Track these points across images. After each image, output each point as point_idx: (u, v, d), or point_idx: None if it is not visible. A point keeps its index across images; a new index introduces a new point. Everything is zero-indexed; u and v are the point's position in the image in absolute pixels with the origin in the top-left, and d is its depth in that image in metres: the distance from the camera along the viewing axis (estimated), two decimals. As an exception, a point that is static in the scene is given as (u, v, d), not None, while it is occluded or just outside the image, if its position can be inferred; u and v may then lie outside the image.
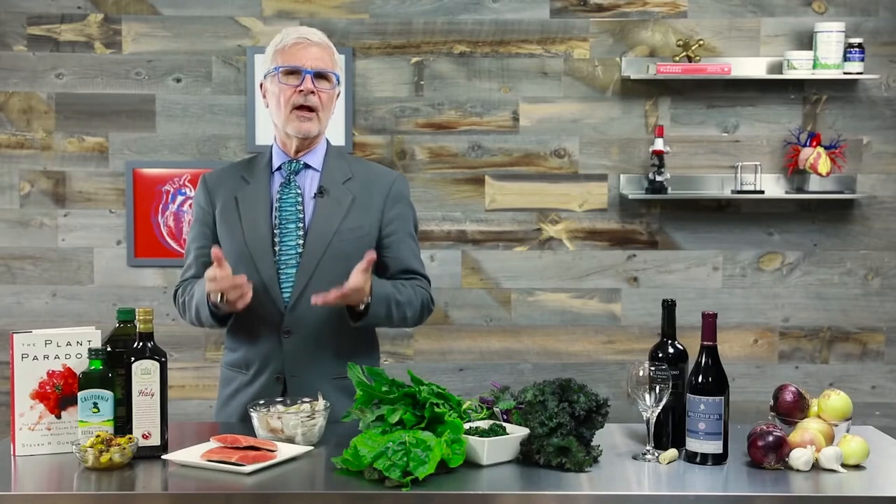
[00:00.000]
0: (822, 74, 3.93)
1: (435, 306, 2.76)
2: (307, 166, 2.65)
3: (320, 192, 2.62)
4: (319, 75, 2.58)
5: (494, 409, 2.39)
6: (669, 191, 3.98)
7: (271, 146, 2.69)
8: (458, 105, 4.07)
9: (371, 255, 2.46)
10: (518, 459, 2.22)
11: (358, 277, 2.44)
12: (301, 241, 2.59)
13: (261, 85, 2.67)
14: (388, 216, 2.66)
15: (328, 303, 2.46)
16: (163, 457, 2.21)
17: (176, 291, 2.72)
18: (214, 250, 2.45)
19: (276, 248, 2.59)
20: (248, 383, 2.63)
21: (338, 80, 2.63)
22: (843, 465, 2.20)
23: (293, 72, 2.57)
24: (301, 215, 2.60)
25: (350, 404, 2.38)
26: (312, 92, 2.57)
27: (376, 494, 2.04)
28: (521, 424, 2.28)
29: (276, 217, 2.60)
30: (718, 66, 3.94)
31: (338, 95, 2.68)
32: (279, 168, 2.65)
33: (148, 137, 4.06)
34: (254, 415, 2.35)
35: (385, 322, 2.62)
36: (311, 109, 2.58)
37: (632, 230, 4.10)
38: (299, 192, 2.62)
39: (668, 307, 2.35)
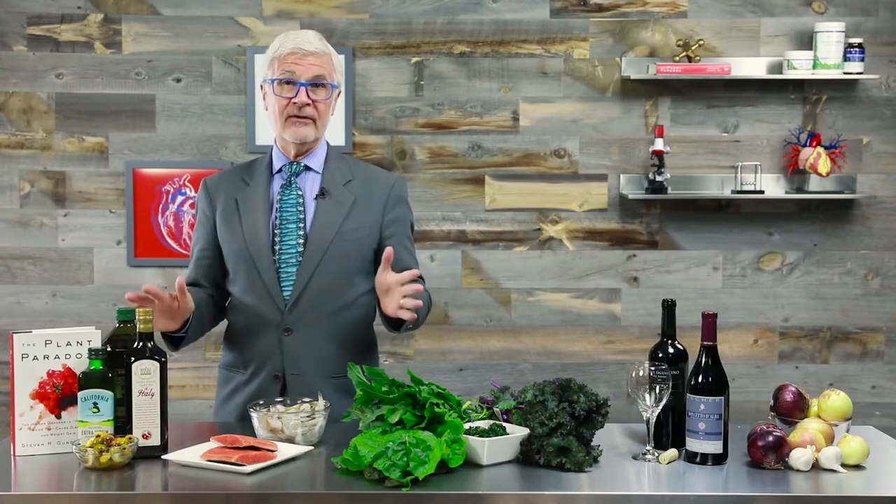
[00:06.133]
0: (822, 74, 3.93)
1: (432, 305, 2.76)
2: (308, 168, 2.66)
3: (322, 193, 2.64)
4: (315, 84, 2.59)
5: (494, 409, 2.39)
6: (669, 191, 3.98)
7: (271, 148, 2.70)
8: (458, 105, 4.07)
9: (388, 253, 2.43)
10: (518, 459, 2.22)
11: (393, 276, 2.41)
12: (301, 241, 2.61)
13: (261, 86, 2.69)
14: (388, 218, 2.68)
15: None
16: (163, 457, 2.21)
17: None
18: (179, 280, 2.44)
19: (276, 248, 2.60)
20: (245, 382, 2.64)
21: (334, 86, 2.63)
22: (843, 465, 2.20)
23: (288, 82, 2.58)
24: (302, 216, 2.62)
25: (348, 403, 2.39)
26: (308, 104, 2.58)
27: (376, 494, 2.04)
28: (521, 424, 2.28)
29: (276, 218, 2.62)
30: (718, 66, 3.94)
31: (338, 97, 2.68)
32: (279, 170, 2.67)
33: (148, 137, 4.06)
34: (254, 415, 2.35)
35: (414, 326, 2.58)
36: (307, 117, 2.59)
37: (632, 230, 4.10)
38: (300, 193, 2.64)
39: (668, 307, 2.35)
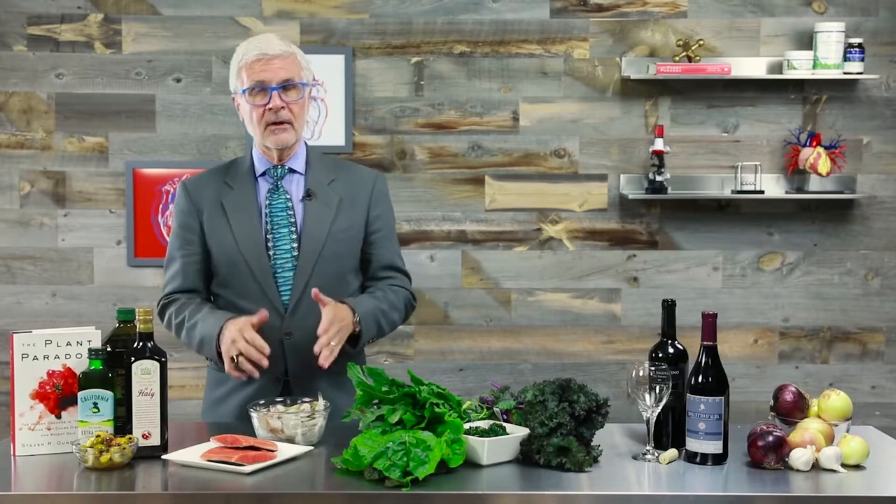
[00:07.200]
0: (822, 74, 3.93)
1: (417, 301, 2.80)
2: (291, 171, 2.67)
3: (308, 195, 2.65)
4: (286, 86, 2.59)
5: (494, 409, 2.39)
6: (669, 191, 3.98)
7: (251, 151, 2.71)
8: (458, 105, 4.07)
9: (315, 294, 2.49)
10: (518, 459, 2.23)
11: (329, 314, 2.48)
12: (295, 245, 2.62)
13: (233, 98, 2.68)
14: (372, 215, 2.71)
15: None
16: (163, 457, 2.21)
17: (164, 306, 2.71)
18: (263, 313, 2.49)
19: (271, 253, 2.61)
20: (244, 384, 2.64)
21: (304, 84, 2.63)
22: (843, 465, 2.20)
23: (259, 90, 2.58)
24: (293, 220, 2.63)
25: (348, 401, 2.40)
26: (282, 107, 2.58)
27: (376, 494, 2.04)
28: (521, 424, 2.28)
29: (267, 223, 2.62)
30: (718, 66, 3.94)
31: (310, 94, 2.69)
32: (263, 174, 2.67)
33: (148, 137, 4.06)
34: (254, 415, 2.36)
35: (378, 334, 2.64)
36: (284, 122, 2.60)
37: (632, 230, 4.10)
38: (288, 197, 2.65)
39: (668, 307, 2.35)
